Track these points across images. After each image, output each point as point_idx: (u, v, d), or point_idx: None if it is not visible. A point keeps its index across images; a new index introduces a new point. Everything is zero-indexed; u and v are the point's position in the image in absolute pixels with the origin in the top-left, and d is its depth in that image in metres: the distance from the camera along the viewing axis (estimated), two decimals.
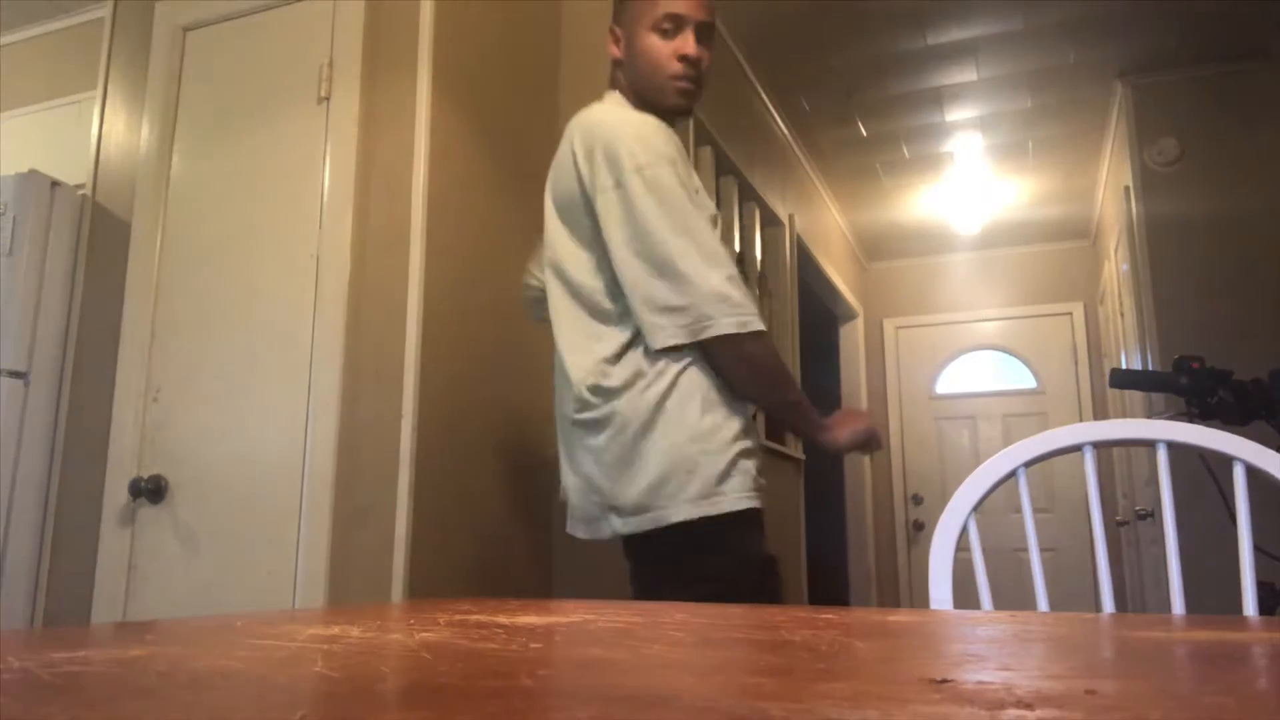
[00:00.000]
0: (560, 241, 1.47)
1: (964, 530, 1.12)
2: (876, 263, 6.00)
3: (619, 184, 1.35)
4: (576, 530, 1.47)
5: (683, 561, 1.33)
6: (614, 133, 1.38)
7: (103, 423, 2.14)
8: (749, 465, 1.36)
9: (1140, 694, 0.36)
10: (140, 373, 2.10)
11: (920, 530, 5.58)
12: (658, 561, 1.36)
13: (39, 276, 2.33)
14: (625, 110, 1.45)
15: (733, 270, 1.35)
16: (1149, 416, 2.47)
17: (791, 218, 4.14)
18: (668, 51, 1.42)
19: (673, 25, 1.42)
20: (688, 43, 1.41)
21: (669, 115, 1.46)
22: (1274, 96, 3.41)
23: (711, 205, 1.44)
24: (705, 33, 1.45)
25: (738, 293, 1.34)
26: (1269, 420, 1.82)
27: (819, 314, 5.37)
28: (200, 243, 2.12)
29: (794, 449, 3.84)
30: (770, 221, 3.94)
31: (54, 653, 0.47)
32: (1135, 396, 3.91)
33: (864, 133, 4.27)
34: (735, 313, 1.33)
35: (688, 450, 1.32)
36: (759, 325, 1.35)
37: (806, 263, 4.48)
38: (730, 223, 3.42)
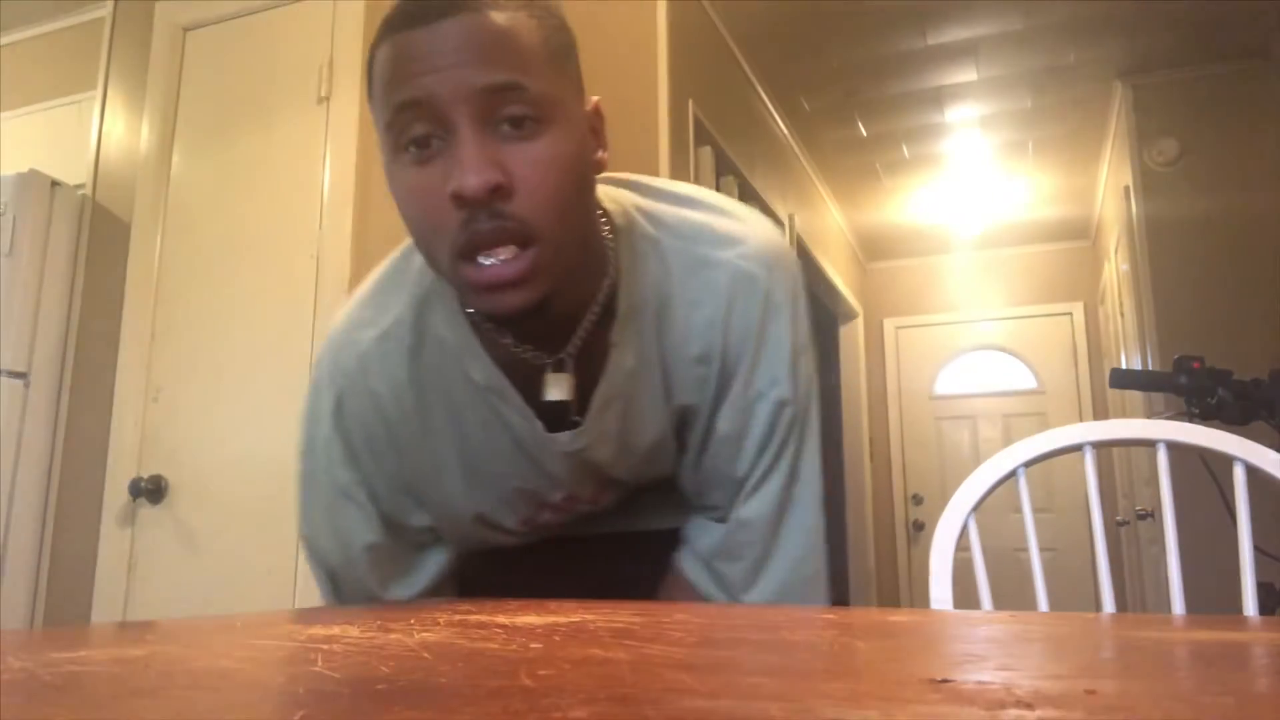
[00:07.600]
0: None
1: (964, 530, 1.12)
2: (876, 263, 6.00)
3: None
4: None
5: None
6: None
7: (103, 423, 2.14)
8: None
9: (1140, 694, 0.36)
10: (140, 373, 2.10)
11: (920, 530, 5.58)
12: None
13: (39, 276, 2.33)
14: None
15: None
16: (1149, 416, 2.47)
17: (791, 218, 4.14)
18: (426, 188, 0.67)
19: (423, 129, 0.66)
20: (462, 163, 0.64)
21: (495, 321, 0.76)
22: (1274, 96, 3.41)
23: None
24: (514, 99, 0.65)
25: None
26: (1269, 420, 1.82)
27: (819, 314, 5.37)
28: (200, 243, 2.12)
29: None
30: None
31: (54, 653, 0.47)
32: (1135, 396, 3.91)
33: (864, 133, 4.27)
34: None
35: None
36: None
37: (807, 262, 4.48)
38: None
